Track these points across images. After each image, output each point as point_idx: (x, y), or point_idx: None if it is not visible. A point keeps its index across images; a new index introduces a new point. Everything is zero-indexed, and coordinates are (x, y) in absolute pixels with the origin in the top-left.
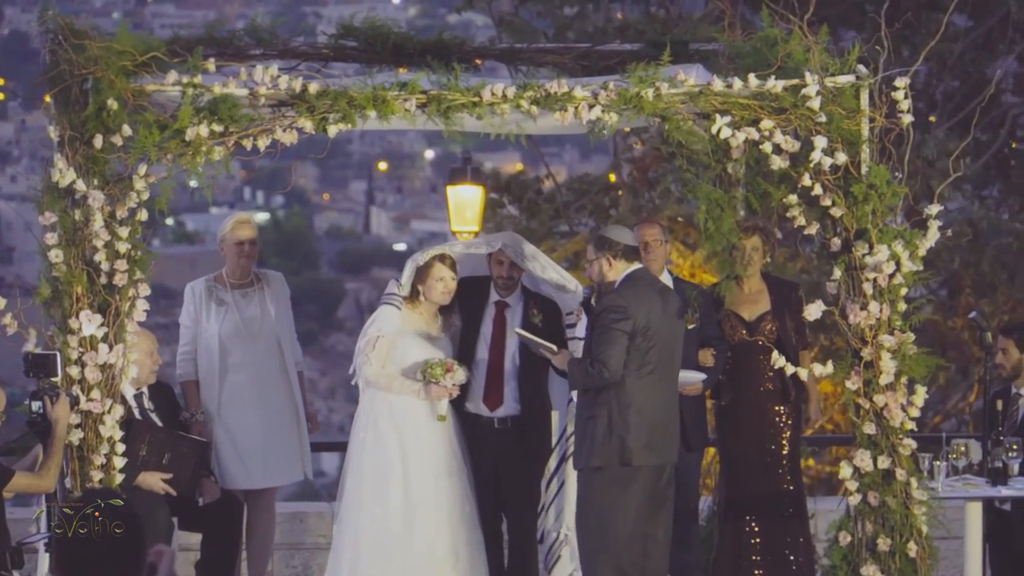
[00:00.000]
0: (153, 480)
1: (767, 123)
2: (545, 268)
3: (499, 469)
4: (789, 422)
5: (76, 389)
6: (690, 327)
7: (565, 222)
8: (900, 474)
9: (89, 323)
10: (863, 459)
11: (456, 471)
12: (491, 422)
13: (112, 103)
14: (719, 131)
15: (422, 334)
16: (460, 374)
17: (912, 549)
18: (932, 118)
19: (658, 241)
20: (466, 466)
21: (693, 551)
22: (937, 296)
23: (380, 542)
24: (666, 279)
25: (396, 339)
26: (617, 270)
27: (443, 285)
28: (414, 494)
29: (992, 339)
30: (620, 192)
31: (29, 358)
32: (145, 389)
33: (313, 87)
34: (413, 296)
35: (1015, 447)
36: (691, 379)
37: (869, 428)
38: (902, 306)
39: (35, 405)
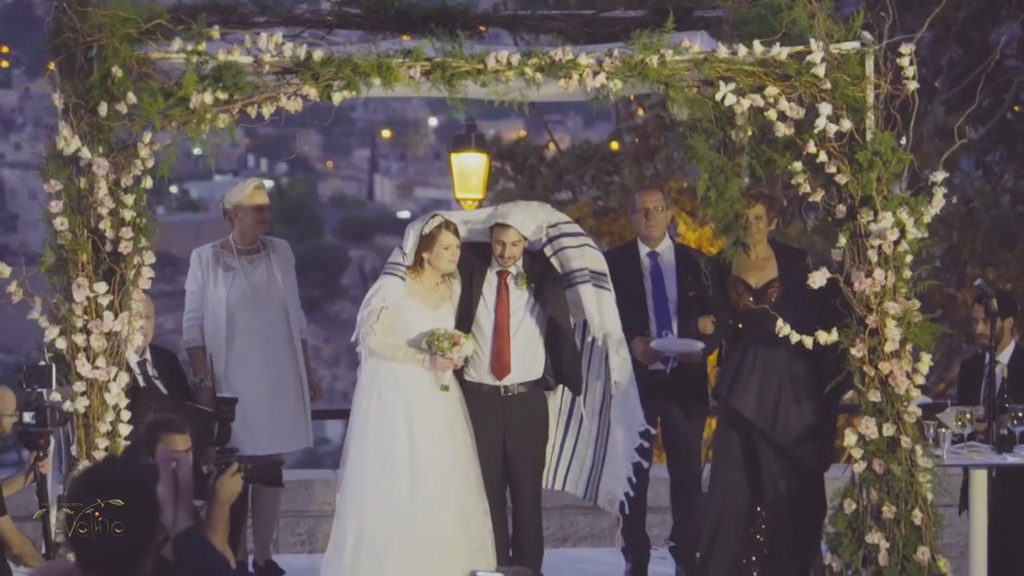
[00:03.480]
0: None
1: (772, 90)
2: (539, 232)
3: (506, 438)
4: None
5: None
6: (691, 294)
7: (567, 189)
8: (905, 441)
9: (79, 290)
10: (868, 427)
11: (461, 439)
12: (497, 391)
13: (116, 71)
14: (723, 98)
15: (425, 303)
16: (467, 347)
17: (917, 516)
18: (936, 84)
19: (659, 208)
20: (470, 434)
21: (696, 519)
22: (942, 261)
23: (386, 512)
24: (667, 245)
25: (399, 309)
26: None
27: (450, 253)
28: (420, 463)
29: (997, 307)
30: (622, 160)
31: (24, 369)
32: (148, 355)
33: (317, 54)
34: (417, 264)
35: (1021, 414)
36: (690, 348)
37: (874, 396)
38: (907, 273)
39: (26, 416)
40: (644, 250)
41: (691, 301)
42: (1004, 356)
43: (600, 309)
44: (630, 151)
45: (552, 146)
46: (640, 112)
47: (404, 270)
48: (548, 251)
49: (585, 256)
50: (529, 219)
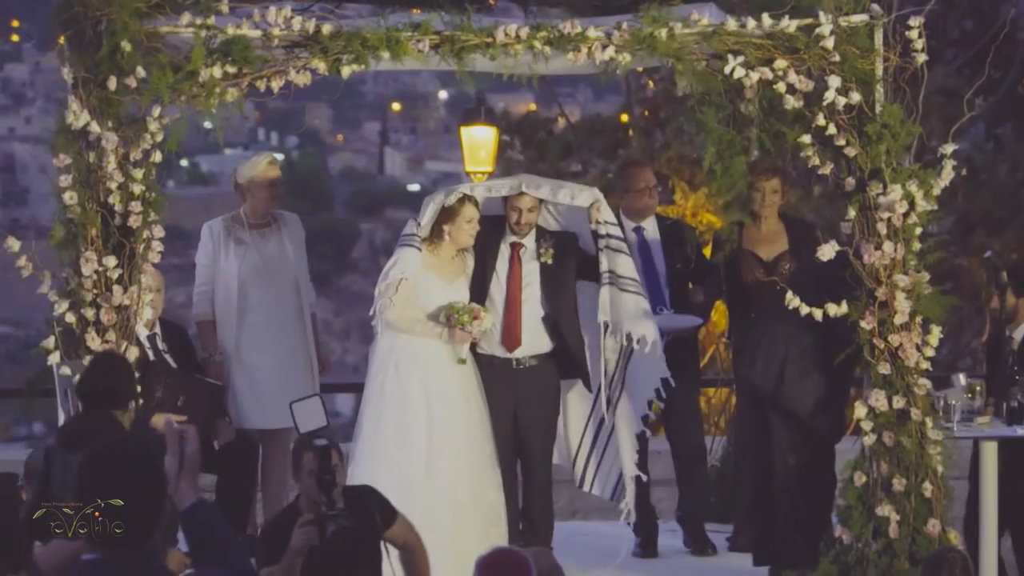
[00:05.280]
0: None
1: (781, 63)
2: (556, 192)
3: (517, 411)
4: None
5: None
6: (678, 266)
7: (577, 162)
8: (915, 414)
9: (86, 264)
10: (878, 399)
11: (477, 413)
12: (508, 363)
13: (126, 45)
14: (732, 71)
15: (442, 277)
16: (487, 320)
17: (927, 489)
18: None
19: (656, 185)
20: (485, 408)
21: (699, 489)
22: (951, 234)
23: (401, 486)
24: (651, 220)
25: (417, 282)
26: None
27: (471, 227)
28: (437, 437)
29: (1007, 278)
30: (630, 132)
31: None
32: (158, 329)
33: (326, 28)
34: (436, 237)
35: None
36: (688, 323)
37: (884, 368)
38: (916, 245)
39: None
40: (630, 225)
41: (680, 273)
42: (1019, 333)
43: (637, 313)
44: (638, 123)
45: (562, 119)
46: (651, 85)
47: (419, 241)
48: (600, 244)
49: (629, 265)
50: (546, 188)
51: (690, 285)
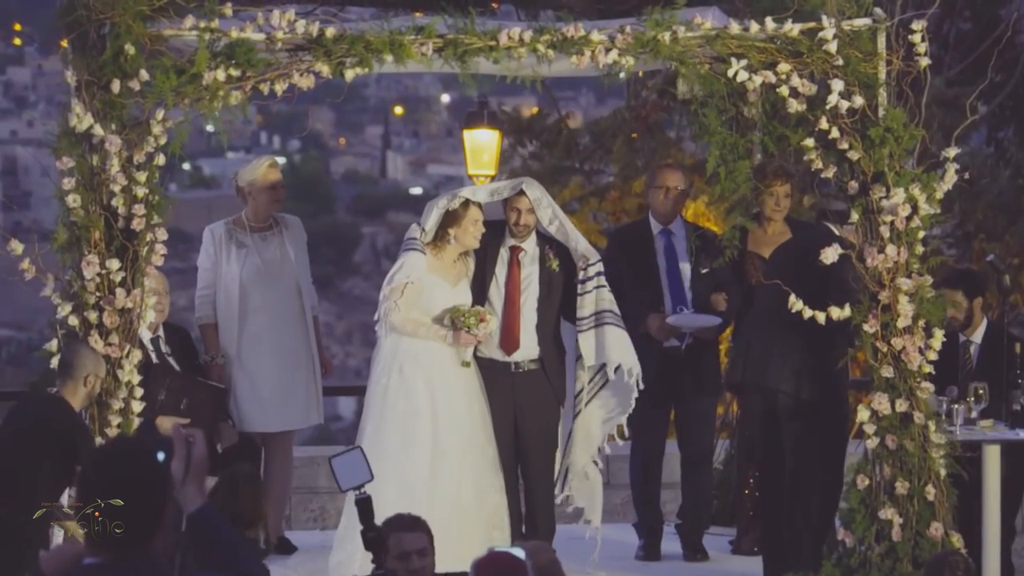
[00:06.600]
0: (170, 424)
1: (784, 66)
2: (552, 221)
3: (517, 414)
4: None
5: None
6: (703, 272)
7: (586, 163)
8: (918, 417)
9: (88, 267)
10: (881, 402)
11: (479, 416)
12: (507, 367)
13: (129, 48)
14: (736, 74)
15: (446, 279)
16: (492, 323)
17: (930, 492)
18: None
19: (678, 187)
20: (488, 411)
21: (704, 496)
22: (953, 238)
23: (405, 489)
24: (679, 223)
25: (423, 285)
26: None
27: (477, 228)
28: (441, 440)
29: (1009, 282)
30: (618, 137)
31: None
32: (161, 332)
33: (330, 31)
34: (441, 241)
35: None
36: (707, 322)
37: (887, 371)
38: (919, 249)
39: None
40: (657, 227)
41: (705, 278)
42: (977, 336)
43: (624, 347)
44: (624, 130)
45: (568, 123)
46: (647, 89)
47: (423, 245)
48: (588, 286)
49: (609, 297)
50: (546, 200)
51: (715, 293)
